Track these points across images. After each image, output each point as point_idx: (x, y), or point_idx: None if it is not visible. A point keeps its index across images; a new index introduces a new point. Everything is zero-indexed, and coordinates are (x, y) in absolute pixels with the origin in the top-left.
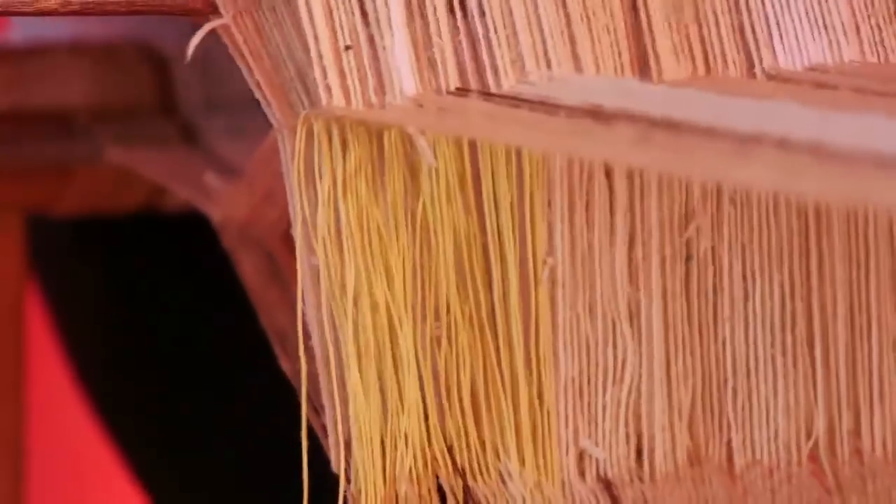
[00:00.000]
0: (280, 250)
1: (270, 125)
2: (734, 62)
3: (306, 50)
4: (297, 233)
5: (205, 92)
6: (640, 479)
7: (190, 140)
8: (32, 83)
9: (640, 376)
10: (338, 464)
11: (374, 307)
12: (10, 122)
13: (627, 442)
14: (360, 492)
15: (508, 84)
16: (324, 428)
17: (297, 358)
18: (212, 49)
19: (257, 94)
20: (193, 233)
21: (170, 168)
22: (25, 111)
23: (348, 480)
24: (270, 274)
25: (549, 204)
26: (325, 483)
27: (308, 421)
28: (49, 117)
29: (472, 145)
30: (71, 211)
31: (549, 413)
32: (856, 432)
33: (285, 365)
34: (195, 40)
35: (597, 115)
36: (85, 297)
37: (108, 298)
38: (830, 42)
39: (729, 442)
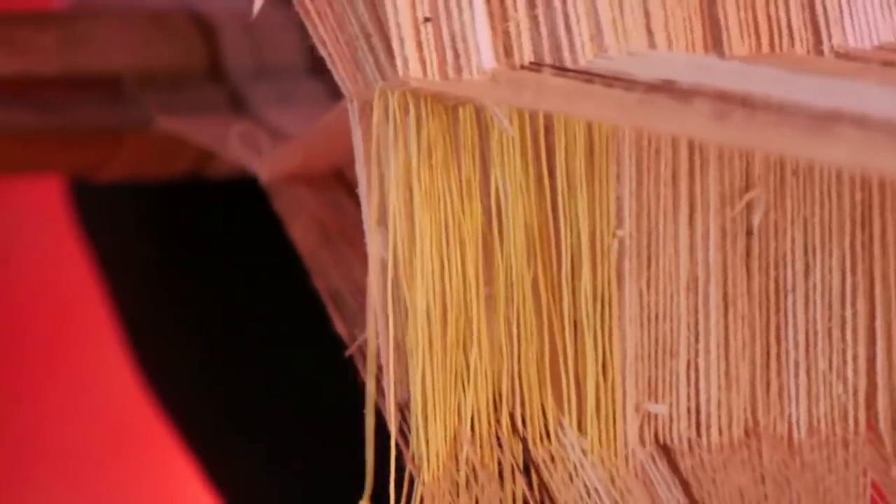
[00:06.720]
0: (329, 212)
1: (318, 92)
2: (802, 39)
3: (370, 10)
4: (367, 206)
5: (253, 59)
6: (699, 449)
7: (238, 108)
8: (81, 49)
9: (697, 350)
10: (393, 426)
11: (445, 279)
12: (59, 88)
13: (687, 413)
14: (421, 454)
15: (585, 59)
16: (382, 391)
17: (352, 320)
18: (260, 16)
19: (322, 55)
20: (241, 199)
21: (218, 135)
22: (74, 77)
23: (407, 442)
24: (321, 236)
25: (618, 177)
26: (387, 447)
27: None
28: (98, 83)
29: (547, 119)
30: (118, 177)
31: (613, 384)
32: None
33: (340, 327)
34: (258, 4)
35: (673, 91)
36: (134, 264)
37: (157, 266)
38: None
39: (788, 414)
